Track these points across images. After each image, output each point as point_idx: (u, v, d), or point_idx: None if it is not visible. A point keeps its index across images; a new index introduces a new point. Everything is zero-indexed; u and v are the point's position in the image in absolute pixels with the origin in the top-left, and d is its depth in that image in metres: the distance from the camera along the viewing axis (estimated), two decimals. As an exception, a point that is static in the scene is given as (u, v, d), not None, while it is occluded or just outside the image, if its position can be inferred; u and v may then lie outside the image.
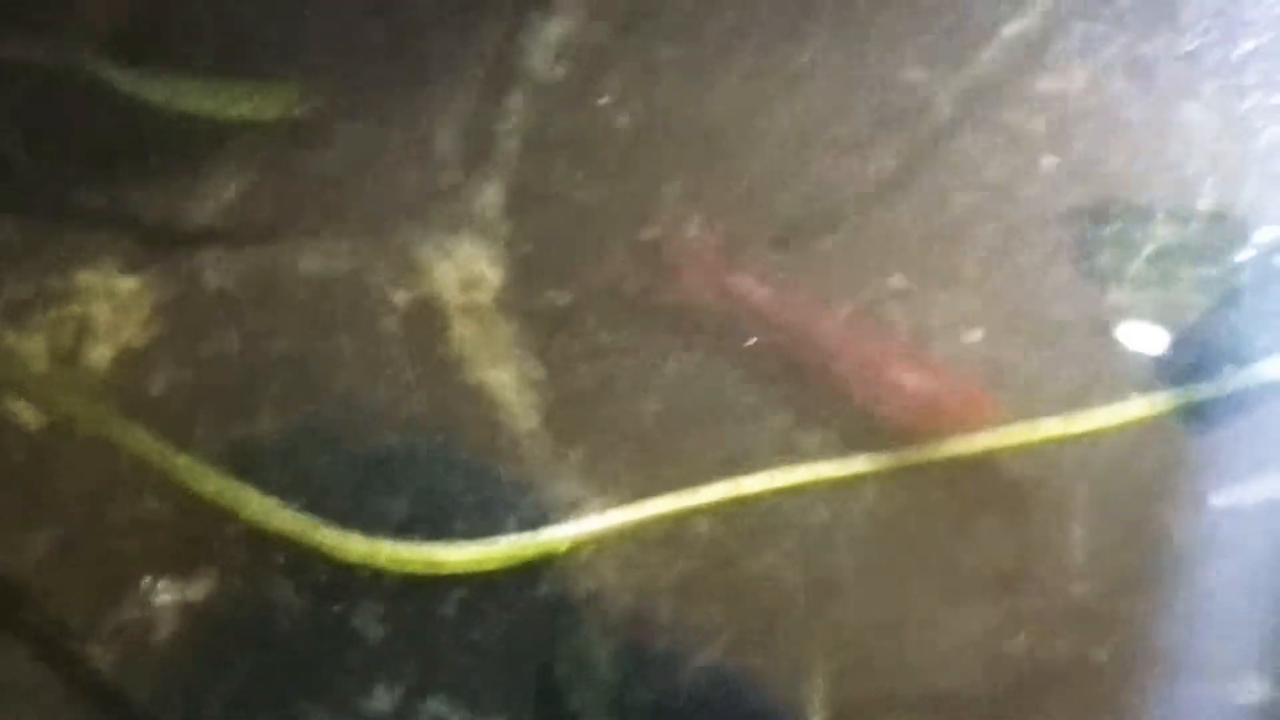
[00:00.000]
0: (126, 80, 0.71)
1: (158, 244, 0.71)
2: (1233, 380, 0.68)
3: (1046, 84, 0.73)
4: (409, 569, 0.65)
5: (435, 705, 0.67)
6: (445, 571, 0.65)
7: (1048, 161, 0.72)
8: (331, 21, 0.74)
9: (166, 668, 0.67)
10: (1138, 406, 0.67)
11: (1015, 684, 0.67)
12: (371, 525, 0.66)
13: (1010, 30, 0.73)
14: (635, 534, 0.67)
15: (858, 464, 0.67)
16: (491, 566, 0.65)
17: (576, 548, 0.66)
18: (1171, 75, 0.73)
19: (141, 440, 0.65)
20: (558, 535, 0.66)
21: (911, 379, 0.68)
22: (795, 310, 0.69)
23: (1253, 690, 0.66)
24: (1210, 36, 0.72)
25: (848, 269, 0.70)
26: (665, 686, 0.66)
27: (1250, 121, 0.72)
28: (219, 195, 0.72)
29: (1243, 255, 0.70)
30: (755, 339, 0.68)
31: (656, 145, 0.72)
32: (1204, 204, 0.70)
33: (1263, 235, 0.70)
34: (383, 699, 0.67)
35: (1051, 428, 0.67)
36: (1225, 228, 0.70)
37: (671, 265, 0.69)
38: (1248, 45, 0.73)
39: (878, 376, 0.68)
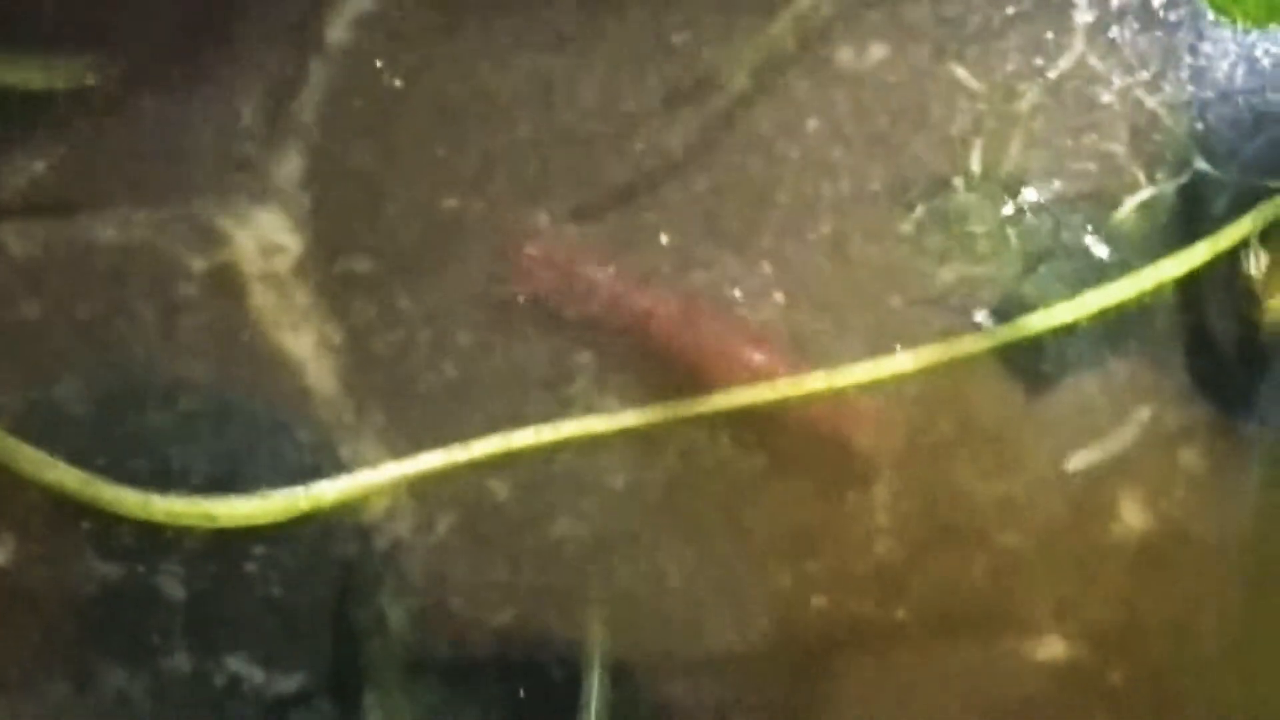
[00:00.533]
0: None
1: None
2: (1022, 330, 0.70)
3: (840, 56, 0.75)
4: (185, 522, 0.66)
5: (235, 663, 0.68)
6: (223, 524, 0.66)
7: (834, 133, 0.73)
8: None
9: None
10: (935, 352, 0.70)
11: (813, 644, 0.69)
12: (173, 487, 0.67)
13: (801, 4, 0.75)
14: (431, 494, 0.69)
15: (651, 415, 0.68)
16: (272, 519, 0.67)
17: (371, 503, 0.68)
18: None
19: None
20: (348, 486, 0.67)
21: (713, 337, 0.70)
22: (595, 275, 0.70)
23: (1052, 648, 0.69)
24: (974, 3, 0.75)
25: (646, 239, 0.72)
26: (459, 646, 0.68)
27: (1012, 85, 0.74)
28: (16, 167, 0.72)
29: (1020, 213, 0.72)
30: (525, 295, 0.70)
31: (452, 118, 0.73)
32: (975, 165, 0.72)
33: (1039, 193, 0.72)
34: (182, 659, 0.68)
35: (852, 375, 0.69)
36: (1003, 189, 0.72)
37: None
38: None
39: (678, 334, 0.70)
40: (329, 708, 0.69)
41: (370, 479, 0.69)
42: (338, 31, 0.75)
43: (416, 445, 0.70)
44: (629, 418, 0.69)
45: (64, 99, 0.73)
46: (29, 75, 0.72)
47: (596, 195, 0.73)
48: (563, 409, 0.70)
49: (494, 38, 0.75)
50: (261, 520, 0.68)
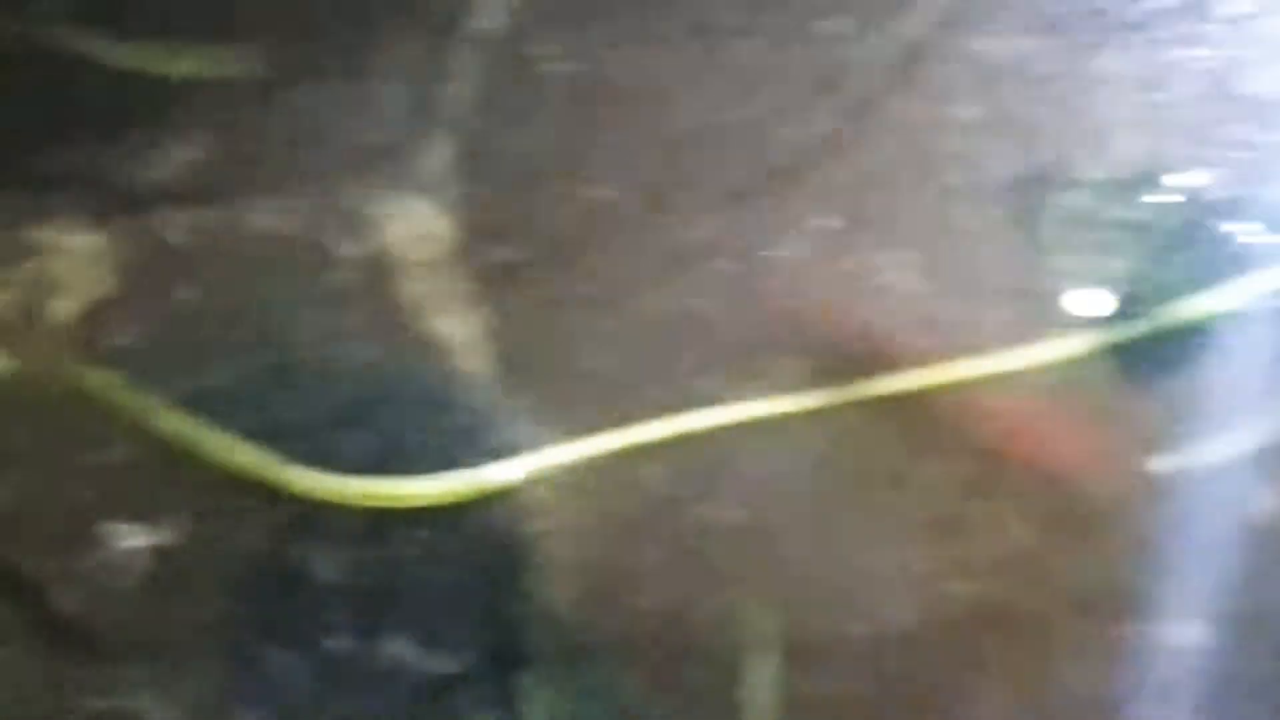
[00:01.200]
0: (80, 41, 0.72)
1: (116, 202, 0.72)
2: (1161, 321, 0.71)
3: (977, 44, 0.75)
4: (372, 504, 0.67)
5: (394, 645, 0.69)
6: (404, 505, 0.67)
7: (977, 121, 0.74)
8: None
9: (132, 612, 0.69)
10: (1073, 344, 0.70)
11: (955, 626, 0.69)
12: (334, 468, 0.68)
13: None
14: (587, 477, 0.70)
15: (804, 402, 0.69)
16: (447, 500, 0.68)
17: (530, 487, 0.69)
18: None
19: (111, 387, 0.67)
20: (509, 471, 0.68)
21: (862, 324, 0.71)
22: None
23: (1187, 633, 0.69)
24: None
25: (789, 223, 0.73)
26: (618, 629, 0.69)
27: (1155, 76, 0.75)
28: (173, 155, 0.74)
29: (1162, 204, 0.73)
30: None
31: (602, 106, 0.74)
32: (1124, 157, 0.73)
33: (1180, 184, 0.73)
34: (343, 639, 0.69)
35: (991, 364, 0.70)
36: (1144, 180, 0.73)
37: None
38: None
39: (827, 316, 0.71)
40: (488, 689, 0.70)
41: (531, 463, 0.69)
42: (487, 20, 0.76)
43: (569, 430, 0.71)
44: (782, 403, 0.70)
45: (218, 88, 0.74)
46: (187, 65, 0.73)
47: (746, 181, 0.74)
48: (714, 395, 0.71)
49: (644, 26, 0.75)
50: (427, 502, 0.69)
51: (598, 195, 0.73)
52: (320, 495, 0.68)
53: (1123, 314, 0.71)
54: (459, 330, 0.71)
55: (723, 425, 0.70)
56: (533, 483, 0.69)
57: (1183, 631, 0.70)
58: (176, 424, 0.67)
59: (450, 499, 0.68)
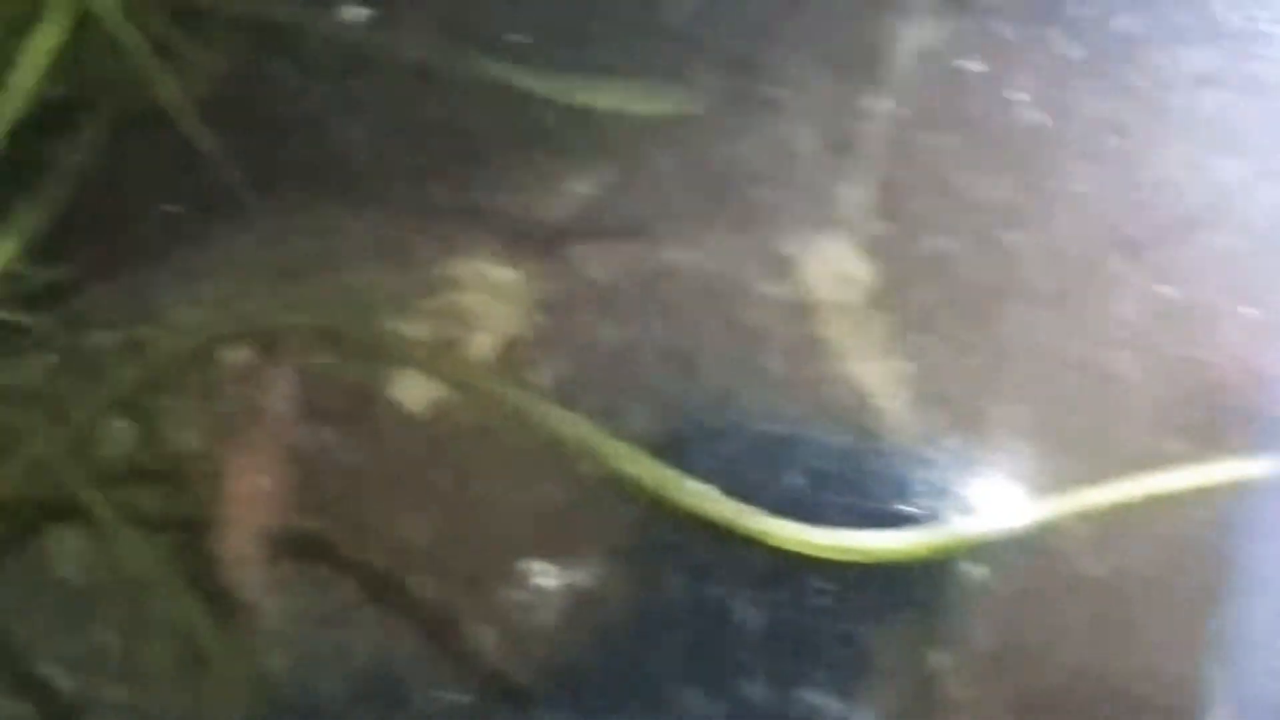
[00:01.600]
0: (502, 72, 0.73)
1: (533, 236, 0.72)
2: None
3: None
4: (848, 557, 0.66)
5: (811, 695, 0.68)
6: (876, 559, 0.66)
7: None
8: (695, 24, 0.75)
9: (549, 651, 0.69)
10: None
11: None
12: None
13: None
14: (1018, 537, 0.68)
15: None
16: (913, 555, 0.66)
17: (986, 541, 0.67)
18: None
19: (540, 420, 0.67)
20: (969, 526, 0.67)
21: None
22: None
23: None
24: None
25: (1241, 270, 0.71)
26: (1040, 683, 0.67)
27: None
28: (583, 189, 0.73)
29: None
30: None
31: (1052, 141, 0.72)
32: None
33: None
34: (759, 687, 0.68)
35: None
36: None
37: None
38: None
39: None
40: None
41: (997, 522, 0.68)
42: (902, 55, 0.74)
43: (999, 473, 0.69)
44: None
45: (631, 123, 0.74)
46: (628, 99, 0.72)
47: (1196, 220, 0.72)
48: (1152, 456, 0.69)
49: (1099, 64, 0.74)
50: (906, 556, 0.67)
51: (1009, 241, 0.71)
52: (793, 545, 0.66)
53: None
54: (877, 374, 0.70)
55: (1181, 489, 0.67)
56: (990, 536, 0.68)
57: None
58: (611, 459, 0.66)
59: (928, 551, 0.67)
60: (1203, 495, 0.67)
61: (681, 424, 0.69)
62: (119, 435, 0.70)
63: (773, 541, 0.65)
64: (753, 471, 0.69)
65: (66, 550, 0.69)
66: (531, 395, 0.67)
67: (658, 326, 0.71)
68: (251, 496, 0.68)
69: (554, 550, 0.69)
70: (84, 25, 0.71)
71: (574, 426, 0.66)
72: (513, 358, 0.71)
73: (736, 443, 0.69)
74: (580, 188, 0.73)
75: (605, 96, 0.72)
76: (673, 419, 0.69)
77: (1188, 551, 0.67)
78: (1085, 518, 0.67)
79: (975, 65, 0.74)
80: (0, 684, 0.68)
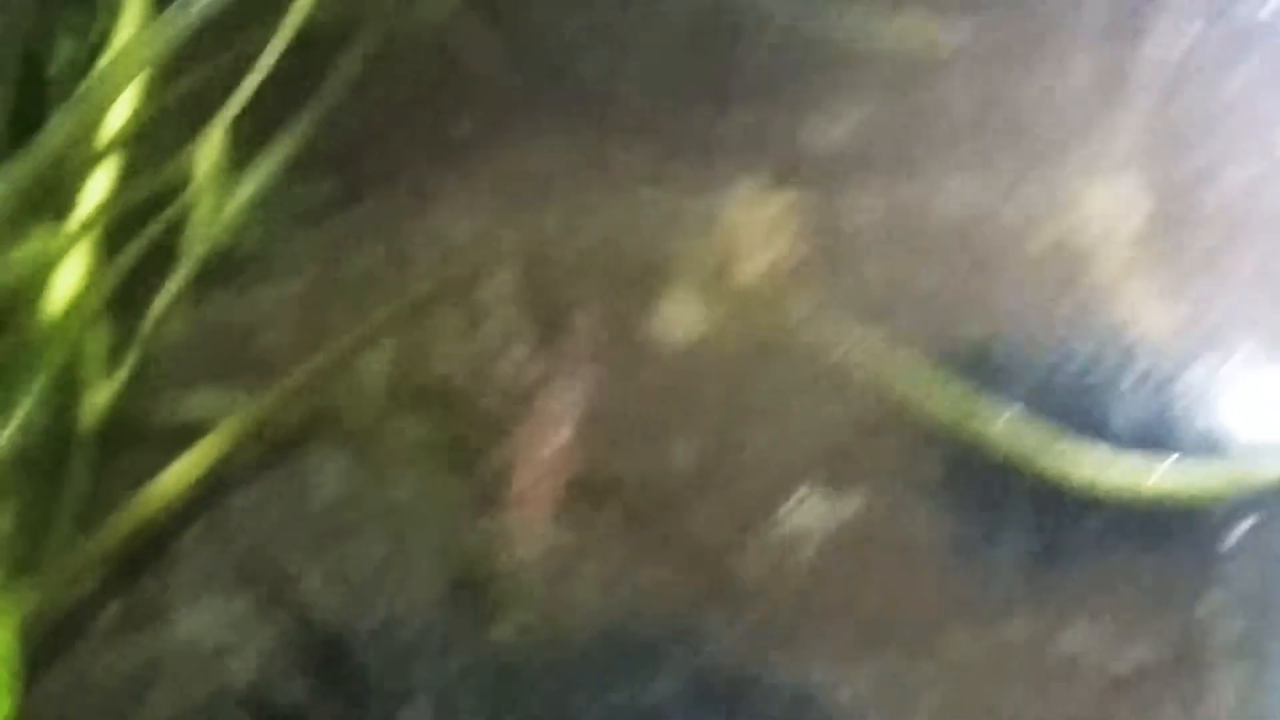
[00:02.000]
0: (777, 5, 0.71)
1: (800, 167, 0.71)
2: None
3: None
4: (1119, 494, 0.65)
5: (1073, 636, 0.67)
6: (1147, 496, 0.65)
7: None
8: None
9: (811, 584, 0.68)
10: None
11: None
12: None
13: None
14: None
15: None
16: (1185, 494, 0.65)
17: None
18: None
19: (822, 344, 0.66)
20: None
21: None
22: None
23: None
24: None
25: None
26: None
27: None
28: (845, 124, 0.72)
29: None
30: None
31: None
32: None
33: None
34: (1018, 626, 0.67)
35: None
36: None
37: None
38: None
39: None
40: (1176, 686, 0.67)
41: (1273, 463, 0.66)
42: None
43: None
44: None
45: (911, 57, 0.73)
46: (904, 34, 0.71)
47: None
48: None
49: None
50: (1177, 494, 0.66)
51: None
52: (1066, 477, 0.65)
53: None
54: (1153, 314, 0.69)
55: None
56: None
57: None
58: (896, 384, 0.65)
59: (1190, 490, 0.66)
60: None
61: (949, 361, 0.68)
62: (382, 358, 0.69)
63: (1048, 473, 0.63)
64: (1023, 408, 0.68)
65: (327, 473, 0.69)
66: (814, 318, 0.65)
67: (926, 262, 0.69)
68: (526, 429, 0.68)
69: (822, 482, 0.68)
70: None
71: (859, 352, 0.64)
72: (782, 287, 0.69)
73: (1005, 380, 0.68)
74: (852, 120, 0.72)
75: (882, 31, 0.71)
76: (940, 355, 0.67)
77: None
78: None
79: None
80: (259, 607, 0.68)
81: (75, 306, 0.66)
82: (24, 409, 0.62)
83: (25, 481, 0.64)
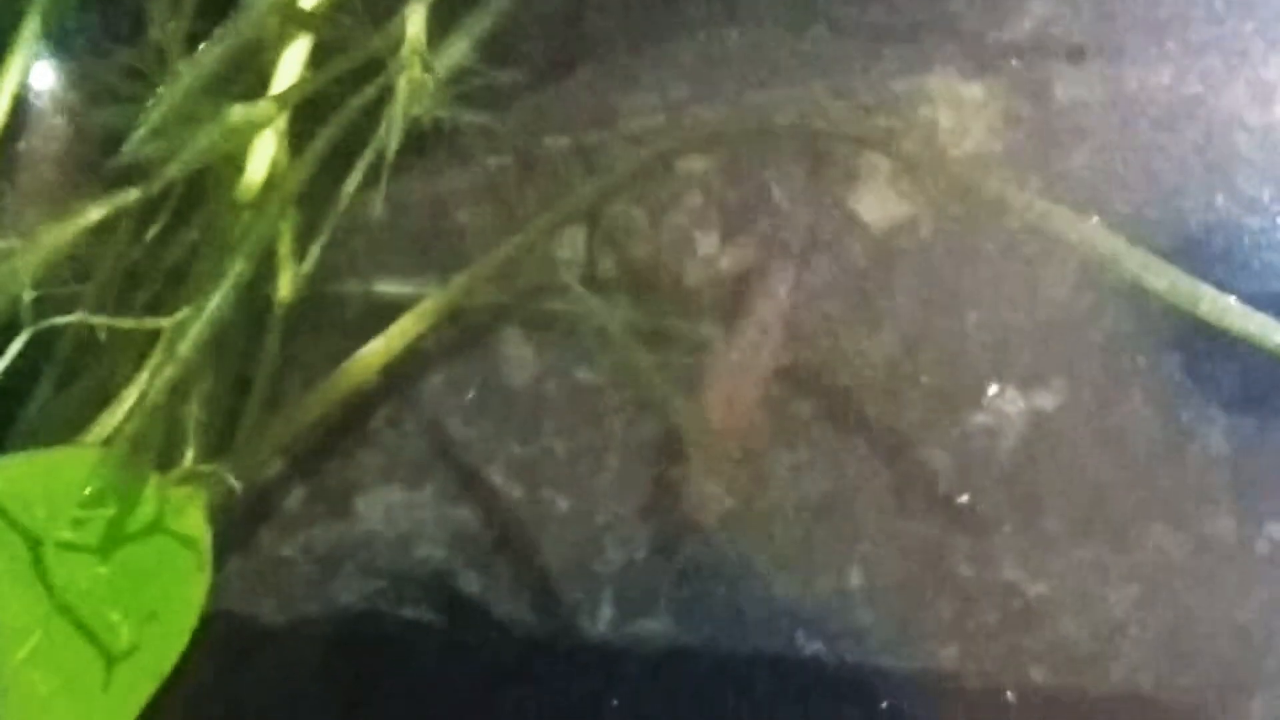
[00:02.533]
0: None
1: (997, 54, 0.70)
2: None
3: None
4: None
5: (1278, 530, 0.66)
6: None
7: None
8: None
9: (1008, 479, 0.67)
10: None
11: None
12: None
13: None
14: None
15: None
16: None
17: None
18: None
19: (1035, 222, 0.64)
20: None
21: None
22: None
23: None
24: None
25: None
26: None
27: None
28: (1054, 9, 0.70)
29: None
30: None
31: None
32: None
33: None
34: (1224, 522, 0.66)
35: None
36: None
37: None
38: None
39: None
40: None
41: None
42: None
43: None
44: None
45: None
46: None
47: None
48: None
49: None
50: None
51: None
52: None
53: None
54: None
55: None
56: None
57: None
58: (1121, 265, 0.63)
59: None
60: None
61: (1162, 247, 0.66)
62: (575, 242, 0.68)
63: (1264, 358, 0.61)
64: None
65: (518, 358, 0.68)
66: (1021, 204, 0.64)
67: (1127, 148, 0.68)
68: (722, 315, 0.67)
69: (1023, 372, 0.67)
70: None
71: (1068, 238, 0.63)
72: (986, 172, 0.68)
73: (1221, 265, 0.67)
74: (1049, 7, 0.70)
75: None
76: (1153, 240, 0.66)
77: None
78: None
79: None
80: (448, 490, 0.67)
81: (270, 184, 0.65)
82: (220, 289, 0.62)
83: (217, 364, 0.64)
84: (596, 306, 0.66)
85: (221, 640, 0.63)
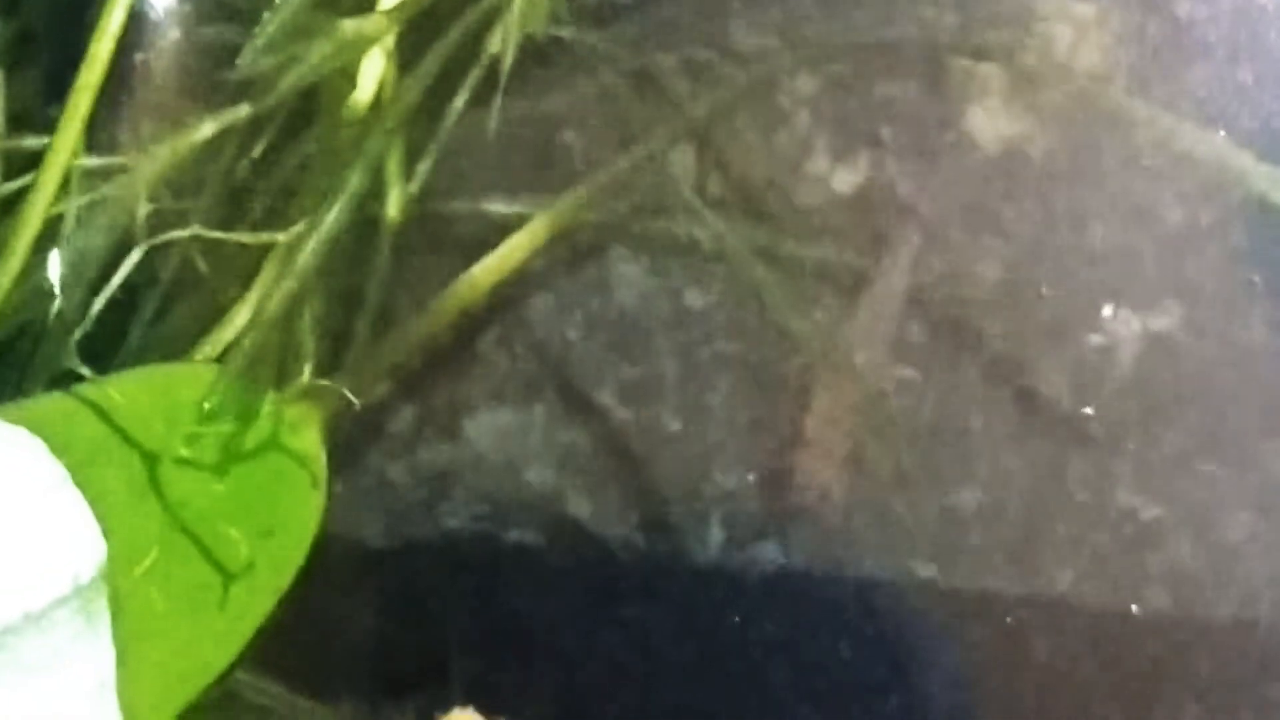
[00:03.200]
0: None
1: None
2: None
3: None
4: None
5: None
6: None
7: None
8: None
9: (1126, 396, 0.66)
10: None
11: None
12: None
13: None
14: None
15: None
16: None
17: None
18: None
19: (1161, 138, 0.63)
20: None
21: None
22: None
23: None
24: None
25: None
26: None
27: None
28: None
29: None
30: None
31: None
32: None
33: None
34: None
35: None
36: None
37: None
38: None
39: None
40: None
41: None
42: None
43: None
44: None
45: None
46: None
47: None
48: None
49: None
50: None
51: None
52: None
53: None
54: None
55: None
56: None
57: None
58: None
59: None
60: None
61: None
62: (684, 162, 0.67)
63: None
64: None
65: (627, 279, 0.67)
66: (1139, 121, 0.63)
67: (1253, 61, 0.66)
68: (834, 234, 0.66)
69: (1133, 294, 0.66)
70: None
71: (1188, 154, 0.62)
72: (1103, 88, 0.67)
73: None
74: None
75: None
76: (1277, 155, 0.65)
77: None
78: None
79: None
80: (556, 411, 0.67)
81: (379, 101, 0.64)
82: (331, 207, 0.61)
83: (329, 283, 0.63)
84: (712, 225, 0.65)
85: (328, 563, 0.63)
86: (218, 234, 0.59)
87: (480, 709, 0.62)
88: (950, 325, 0.66)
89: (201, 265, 0.63)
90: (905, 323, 0.66)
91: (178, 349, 0.62)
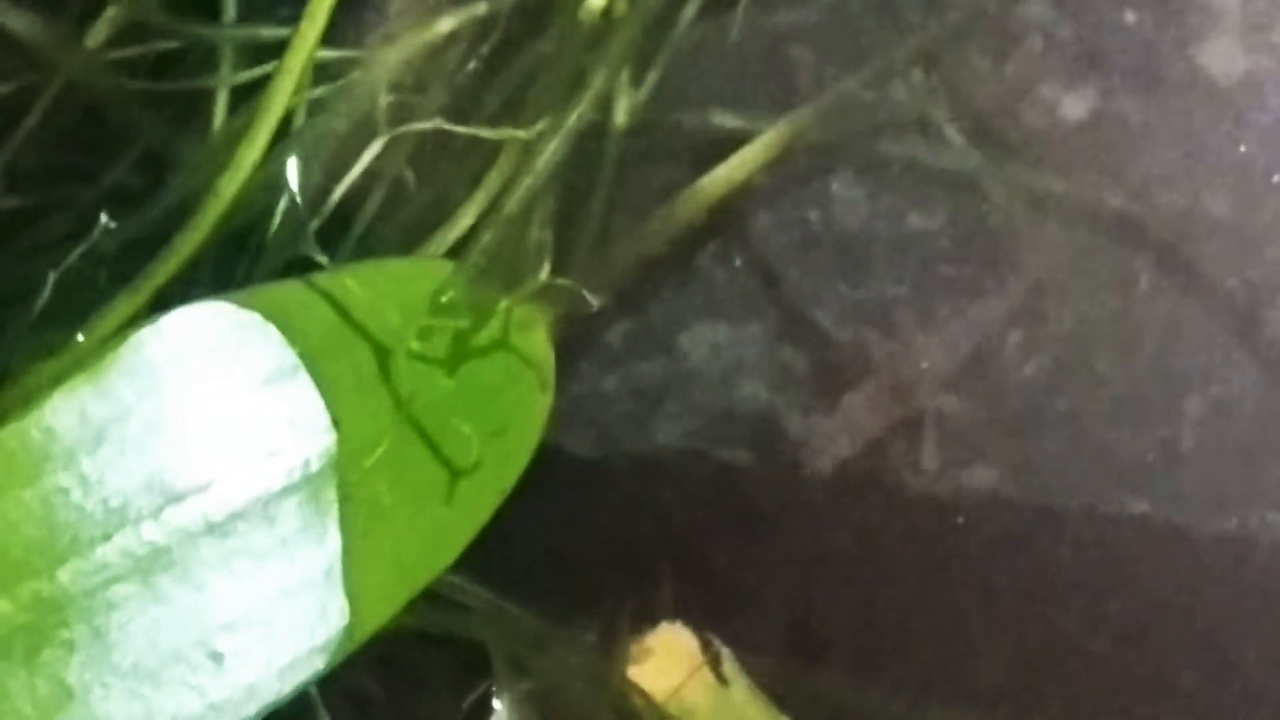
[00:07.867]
0: None
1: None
2: None
3: None
4: None
5: None
6: None
7: None
8: None
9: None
10: None
11: None
12: None
13: None
14: None
15: None
16: None
17: None
18: None
19: None
20: None
21: None
22: None
23: None
24: None
25: None
26: None
27: None
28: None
29: None
30: None
31: None
32: None
33: None
34: None
35: None
36: None
37: None
38: None
39: None
40: None
41: None
42: None
43: None
44: None
45: None
46: None
47: None
48: None
49: None
50: None
51: None
52: None
53: None
54: None
55: None
56: None
57: None
58: None
59: None
60: None
61: None
62: (912, 85, 0.67)
63: None
64: None
65: (851, 199, 0.66)
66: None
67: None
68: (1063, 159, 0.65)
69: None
70: None
71: None
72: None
73: None
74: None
75: None
76: None
77: None
78: None
79: None
80: (774, 329, 0.66)
81: (612, 6, 0.64)
82: (575, 106, 0.61)
83: (557, 190, 0.63)
84: (931, 152, 0.65)
85: (539, 472, 0.62)
86: (460, 128, 0.59)
87: (689, 624, 0.61)
88: (1173, 259, 0.65)
89: (429, 161, 0.63)
90: (1124, 252, 0.65)
91: (403, 244, 0.62)
